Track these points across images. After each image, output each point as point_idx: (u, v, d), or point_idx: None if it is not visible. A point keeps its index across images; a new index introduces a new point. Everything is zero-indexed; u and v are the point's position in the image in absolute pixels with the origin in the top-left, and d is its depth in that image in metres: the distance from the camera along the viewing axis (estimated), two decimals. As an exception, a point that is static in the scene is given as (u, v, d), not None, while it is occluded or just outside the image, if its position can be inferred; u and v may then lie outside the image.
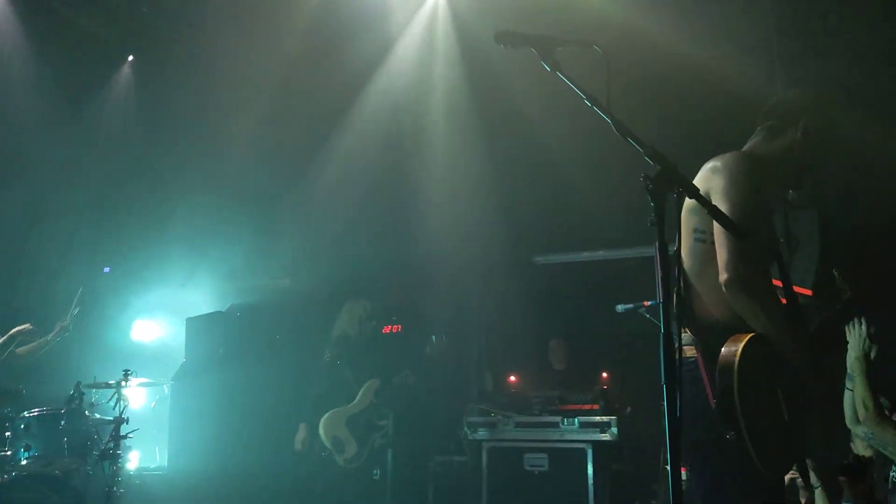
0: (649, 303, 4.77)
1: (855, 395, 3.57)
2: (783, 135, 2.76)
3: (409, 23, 7.14)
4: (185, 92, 7.31)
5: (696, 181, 2.66)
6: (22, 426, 4.65)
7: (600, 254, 6.97)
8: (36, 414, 4.74)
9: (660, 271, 1.98)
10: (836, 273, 3.18)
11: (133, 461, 6.41)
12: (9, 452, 4.56)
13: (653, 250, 2.00)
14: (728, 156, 2.67)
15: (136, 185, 7.83)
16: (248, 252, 7.74)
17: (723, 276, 2.46)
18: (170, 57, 7.44)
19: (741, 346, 2.42)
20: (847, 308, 3.02)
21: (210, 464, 5.95)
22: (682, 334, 2.63)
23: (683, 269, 2.67)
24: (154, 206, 7.85)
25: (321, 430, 5.32)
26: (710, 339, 2.51)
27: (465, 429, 6.45)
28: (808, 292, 5.14)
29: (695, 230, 2.64)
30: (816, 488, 4.69)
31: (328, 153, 7.40)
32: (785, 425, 2.51)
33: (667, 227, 2.02)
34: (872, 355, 3.54)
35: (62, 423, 4.72)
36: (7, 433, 4.66)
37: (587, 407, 5.91)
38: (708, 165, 2.68)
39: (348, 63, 6.92)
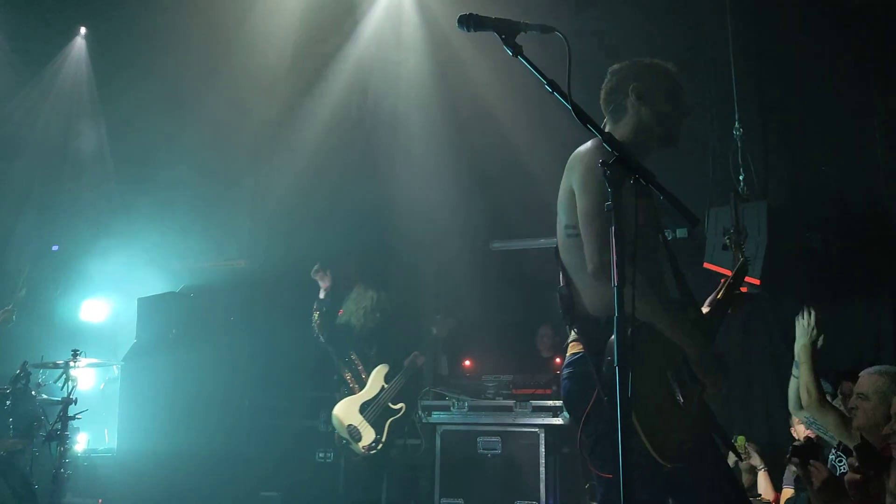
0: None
1: (800, 382, 3.68)
2: (625, 111, 2.73)
3: (372, 5, 7.09)
4: (141, 67, 7.15)
5: (564, 175, 2.67)
6: (-35, 407, 4.54)
7: (556, 240, 7.04)
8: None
9: (614, 256, 2.02)
10: (726, 240, 3.19)
11: (81, 443, 6.31)
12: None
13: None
14: (581, 149, 2.65)
15: (88, 160, 7.65)
16: (202, 232, 7.63)
17: (588, 268, 2.47)
18: (124, 30, 7.27)
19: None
20: (741, 272, 3.02)
21: (160, 445, 5.89)
22: (570, 331, 2.66)
23: (564, 267, 2.69)
24: (106, 182, 7.68)
25: (335, 421, 5.34)
26: (593, 334, 2.52)
27: (420, 412, 6.49)
28: (757, 281, 5.27)
29: (566, 227, 2.65)
30: (760, 469, 4.84)
31: (286, 134, 7.33)
32: (679, 409, 2.50)
33: (622, 213, 2.06)
34: (819, 344, 3.66)
35: (7, 402, 4.62)
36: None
37: (540, 391, 5.99)
38: (570, 158, 2.67)
39: (309, 43, 6.85)
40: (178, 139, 7.35)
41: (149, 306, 6.68)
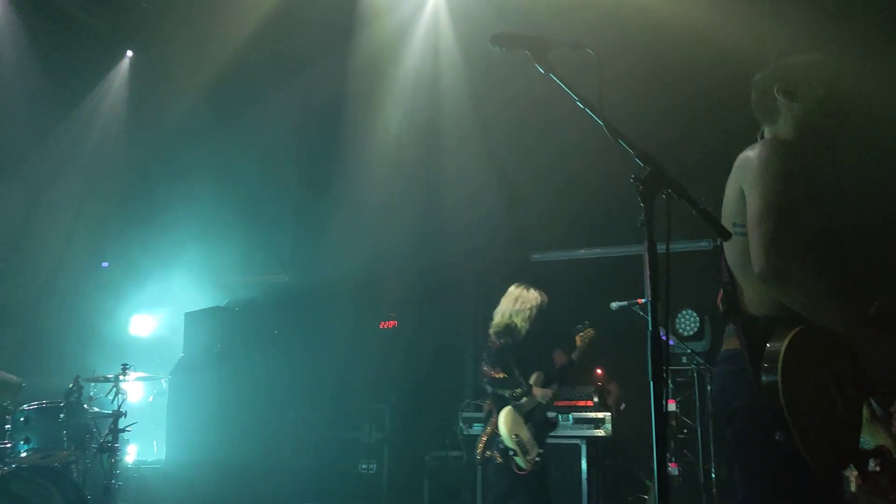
0: (643, 300, 4.83)
1: None
2: (778, 113, 2.70)
3: (410, 22, 7.18)
4: (185, 87, 7.33)
5: (731, 175, 2.63)
6: (21, 419, 4.68)
7: (597, 251, 7.01)
8: (35, 407, 4.77)
9: (648, 270, 2.02)
10: None
11: (131, 454, 6.46)
12: (8, 445, 4.58)
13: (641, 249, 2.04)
14: (756, 146, 2.62)
15: (135, 180, 7.87)
16: (246, 248, 7.78)
17: (755, 268, 2.44)
18: (169, 51, 7.46)
19: (786, 341, 2.39)
20: None
21: (207, 457, 6.00)
22: (727, 327, 2.63)
23: (727, 264, 2.66)
24: (153, 201, 7.88)
25: (502, 430, 4.89)
26: (753, 333, 2.49)
27: (461, 424, 6.51)
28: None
29: (734, 224, 2.60)
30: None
31: (329, 152, 7.43)
32: (840, 417, 2.46)
33: (656, 228, 2.06)
34: None
35: (61, 416, 4.75)
36: (7, 426, 4.69)
37: (581, 403, 5.97)
38: (739, 158, 2.63)
39: (351, 62, 6.96)
40: (222, 157, 7.51)
41: (195, 321, 6.82)
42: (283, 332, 6.95)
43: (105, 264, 7.93)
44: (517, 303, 5.15)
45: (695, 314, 5.34)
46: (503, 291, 7.41)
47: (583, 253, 7.12)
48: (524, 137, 6.70)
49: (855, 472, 3.45)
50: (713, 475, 5.41)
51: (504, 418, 4.90)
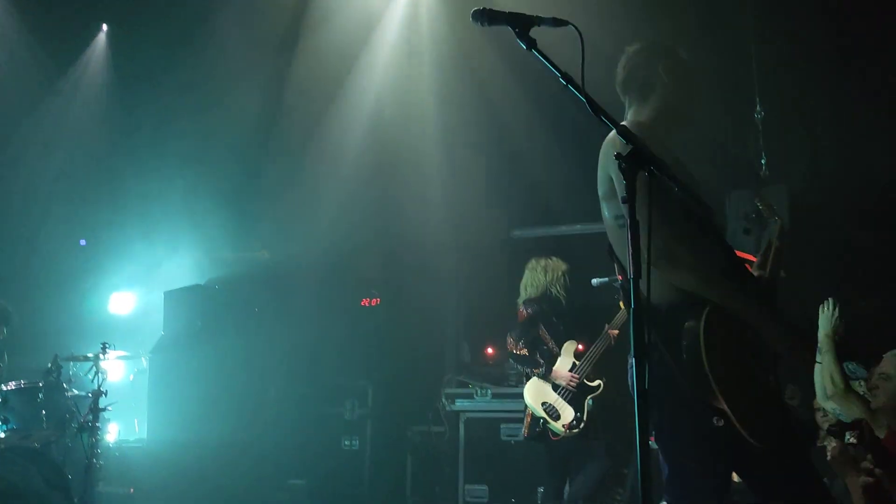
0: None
1: (822, 371, 3.68)
2: (652, 90, 2.73)
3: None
4: (163, 61, 7.22)
5: (599, 164, 2.67)
6: (0, 399, 4.65)
7: (577, 228, 7.02)
8: (13, 387, 4.74)
9: (631, 248, 2.03)
10: (758, 203, 3.15)
11: (112, 433, 6.43)
12: (-14, 425, 4.57)
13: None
14: (612, 135, 2.64)
15: (113, 156, 7.76)
16: (226, 224, 7.72)
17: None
18: (147, 26, 7.33)
19: (702, 319, 2.43)
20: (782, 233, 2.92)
21: (189, 435, 6.00)
22: None
23: (618, 259, 2.70)
24: (131, 177, 7.78)
25: (528, 401, 4.94)
26: (660, 321, 2.52)
27: (443, 400, 6.55)
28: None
29: (616, 217, 2.64)
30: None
31: (309, 127, 7.37)
32: (762, 387, 2.53)
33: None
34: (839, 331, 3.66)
35: (40, 396, 4.73)
36: (-17, 406, 4.67)
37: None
38: (604, 144, 2.67)
39: (331, 39, 6.89)
40: (202, 133, 7.42)
41: (175, 299, 6.78)
42: (263, 309, 6.93)
43: (83, 242, 7.84)
44: (548, 273, 5.15)
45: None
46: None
47: (563, 229, 7.13)
48: (504, 112, 6.68)
49: (833, 443, 3.54)
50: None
51: (529, 389, 4.95)
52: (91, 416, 4.93)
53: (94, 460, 4.90)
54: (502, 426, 6.24)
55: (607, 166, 2.64)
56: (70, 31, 7.49)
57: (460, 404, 6.43)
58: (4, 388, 4.71)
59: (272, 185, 7.64)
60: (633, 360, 1.97)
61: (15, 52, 7.02)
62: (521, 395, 6.19)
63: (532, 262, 5.25)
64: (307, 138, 7.34)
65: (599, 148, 2.76)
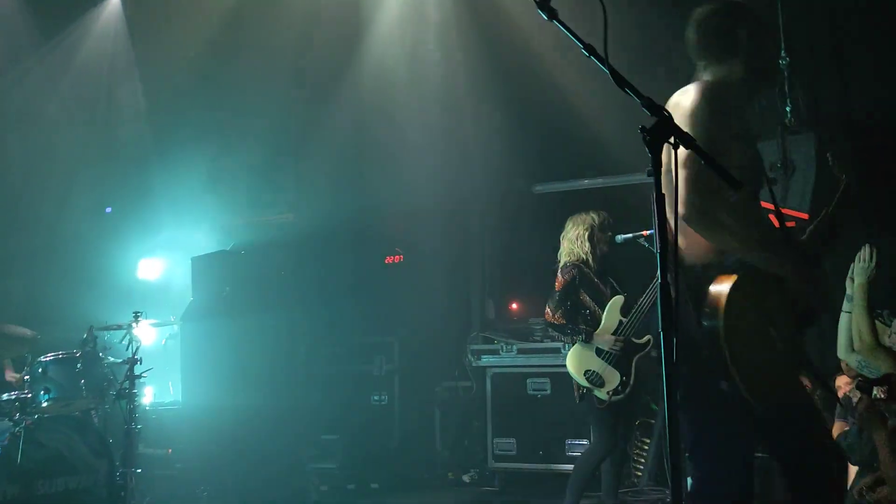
0: (648, 232, 4.79)
1: (853, 323, 3.64)
2: (733, 53, 2.69)
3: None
4: (182, 20, 7.13)
5: None
6: (40, 370, 4.76)
7: (600, 181, 6.97)
8: (52, 358, 4.85)
9: (657, 222, 2.02)
10: (829, 157, 3.04)
11: (148, 396, 6.61)
12: (29, 395, 4.70)
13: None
14: (688, 88, 2.64)
15: (136, 122, 7.77)
16: (249, 189, 7.76)
17: (681, 212, 2.46)
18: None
19: (729, 284, 2.44)
20: (845, 194, 2.85)
21: (222, 398, 6.13)
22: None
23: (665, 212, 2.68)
24: (155, 143, 7.80)
25: (570, 370, 4.72)
26: (691, 281, 2.52)
27: (469, 356, 6.63)
28: (805, 216, 5.18)
29: (668, 171, 2.62)
30: None
31: (331, 86, 7.30)
32: (779, 356, 2.53)
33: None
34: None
35: (78, 366, 4.84)
36: (27, 377, 4.81)
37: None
38: (671, 101, 2.65)
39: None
40: (226, 97, 7.40)
41: (202, 265, 6.86)
42: (290, 272, 7.00)
43: (108, 209, 7.92)
44: (573, 231, 4.94)
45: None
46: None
47: (586, 183, 7.08)
48: (527, 64, 6.56)
49: (860, 398, 3.54)
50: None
51: (571, 357, 4.75)
52: (127, 383, 5.06)
53: (133, 425, 5.04)
54: (528, 381, 6.33)
55: None
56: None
57: (486, 360, 6.51)
58: (44, 359, 4.84)
59: (295, 148, 7.64)
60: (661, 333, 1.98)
61: (23, 18, 6.96)
62: (546, 351, 6.29)
63: (568, 224, 5.01)
64: (329, 97, 7.29)
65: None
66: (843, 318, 3.78)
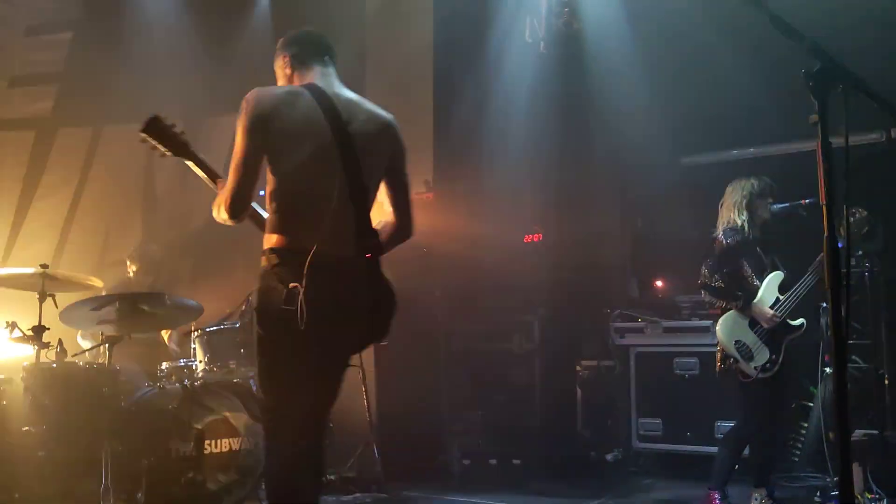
0: (807, 201, 4.53)
1: None
2: None
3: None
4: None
5: None
6: (205, 339, 5.15)
7: (751, 151, 6.62)
8: (214, 328, 5.22)
9: (822, 172, 1.90)
10: None
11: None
12: (195, 362, 5.09)
13: (808, 145, 1.93)
14: None
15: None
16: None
17: None
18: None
19: None
20: None
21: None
22: None
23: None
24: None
25: (721, 335, 4.56)
26: None
27: (612, 334, 6.51)
28: None
29: None
30: None
31: (471, 64, 7.29)
32: None
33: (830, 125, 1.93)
34: None
35: (237, 337, 5.17)
36: (193, 345, 5.20)
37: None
38: None
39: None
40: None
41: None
42: (430, 250, 7.11)
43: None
44: (730, 198, 4.74)
45: (865, 213, 4.96)
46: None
47: (735, 154, 6.74)
48: (673, 32, 6.30)
49: None
50: (885, 381, 5.12)
51: (723, 323, 4.58)
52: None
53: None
54: (676, 360, 6.13)
55: None
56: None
57: (630, 338, 6.36)
58: (206, 329, 5.20)
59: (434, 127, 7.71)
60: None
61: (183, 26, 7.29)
62: (695, 330, 6.07)
63: (727, 190, 4.79)
64: (468, 77, 7.29)
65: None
66: None
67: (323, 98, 2.83)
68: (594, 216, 7.32)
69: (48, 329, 4.61)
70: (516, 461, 6.62)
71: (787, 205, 4.55)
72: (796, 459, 5.74)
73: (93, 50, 6.89)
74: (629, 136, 6.89)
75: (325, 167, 2.77)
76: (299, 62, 3.00)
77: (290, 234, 2.71)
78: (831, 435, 5.02)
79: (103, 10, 6.98)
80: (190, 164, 3.05)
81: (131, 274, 6.26)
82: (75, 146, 6.93)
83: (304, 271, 2.59)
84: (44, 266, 4.65)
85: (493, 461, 6.66)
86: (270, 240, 2.74)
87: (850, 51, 2.53)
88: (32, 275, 4.64)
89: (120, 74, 6.81)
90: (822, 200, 1.90)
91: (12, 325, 4.55)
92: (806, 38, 1.99)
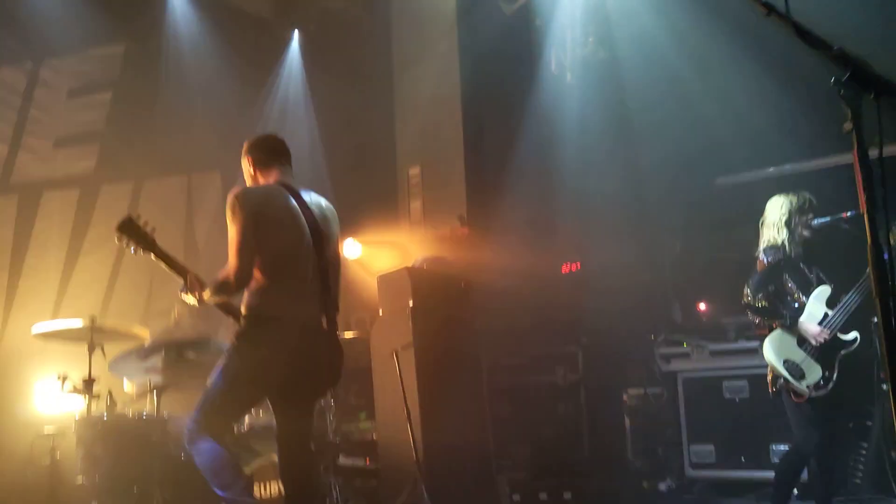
0: (849, 214, 4.43)
1: None
2: None
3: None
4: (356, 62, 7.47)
5: None
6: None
7: (787, 168, 6.52)
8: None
9: (860, 181, 1.87)
10: None
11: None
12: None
13: (845, 158, 1.90)
14: None
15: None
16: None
17: None
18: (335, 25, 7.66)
19: None
20: None
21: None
22: None
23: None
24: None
25: (768, 355, 4.43)
26: None
27: (657, 361, 6.40)
28: None
29: None
30: None
31: (516, 89, 7.35)
32: None
33: (865, 133, 1.90)
34: None
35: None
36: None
37: (787, 329, 5.64)
38: None
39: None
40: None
41: (386, 282, 7.11)
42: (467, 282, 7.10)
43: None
44: (770, 215, 4.60)
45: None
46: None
47: (771, 172, 6.65)
48: (706, 53, 6.28)
49: None
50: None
51: (769, 343, 4.44)
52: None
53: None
54: (724, 383, 6.00)
55: None
56: (265, 43, 8.02)
57: (676, 364, 6.25)
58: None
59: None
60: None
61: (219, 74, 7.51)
62: (742, 352, 5.95)
63: (766, 208, 4.67)
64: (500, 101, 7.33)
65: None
66: None
67: (295, 194, 3.59)
68: (632, 242, 7.27)
69: (96, 381, 4.70)
70: (567, 495, 6.50)
71: (827, 219, 4.45)
72: (858, 482, 5.54)
73: (132, 107, 7.11)
74: (663, 158, 6.86)
75: (303, 250, 3.51)
76: (262, 165, 3.73)
77: (275, 302, 3.44)
78: (893, 454, 4.85)
79: (141, 69, 7.21)
80: (157, 259, 3.65)
81: (175, 314, 6.34)
82: (118, 201, 7.10)
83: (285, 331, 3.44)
84: (92, 318, 4.74)
85: (544, 496, 6.55)
86: (258, 305, 3.48)
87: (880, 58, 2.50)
88: (81, 327, 4.74)
89: (158, 129, 7.03)
90: (863, 209, 1.86)
91: (64, 378, 4.64)
92: (832, 46, 1.98)
